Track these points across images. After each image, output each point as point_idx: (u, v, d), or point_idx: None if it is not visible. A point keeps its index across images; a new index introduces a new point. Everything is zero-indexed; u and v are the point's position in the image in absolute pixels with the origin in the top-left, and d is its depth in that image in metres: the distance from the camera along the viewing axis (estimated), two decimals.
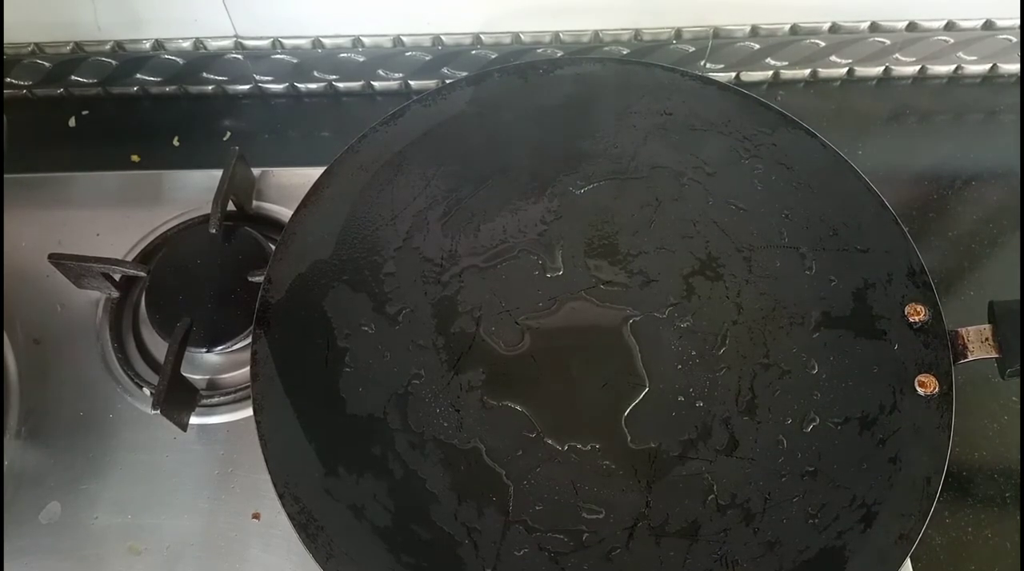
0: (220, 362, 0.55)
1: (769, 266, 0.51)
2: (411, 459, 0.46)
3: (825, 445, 0.45)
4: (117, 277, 0.56)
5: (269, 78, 0.68)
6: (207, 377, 0.55)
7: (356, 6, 0.65)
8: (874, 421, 0.45)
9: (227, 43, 0.67)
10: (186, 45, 0.67)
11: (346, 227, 0.51)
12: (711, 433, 0.47)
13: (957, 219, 0.62)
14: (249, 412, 0.49)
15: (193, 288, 0.54)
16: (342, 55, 0.68)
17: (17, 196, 0.60)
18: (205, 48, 0.68)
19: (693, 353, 0.49)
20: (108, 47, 0.67)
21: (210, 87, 0.68)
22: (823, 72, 0.68)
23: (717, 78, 0.59)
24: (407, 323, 0.49)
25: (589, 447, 0.47)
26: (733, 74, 0.68)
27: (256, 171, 0.61)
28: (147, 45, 0.67)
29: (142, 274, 0.55)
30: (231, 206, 0.57)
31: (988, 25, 0.68)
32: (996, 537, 0.51)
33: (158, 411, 0.47)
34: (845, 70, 0.68)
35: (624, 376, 0.48)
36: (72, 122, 0.67)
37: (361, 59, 0.68)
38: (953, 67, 0.68)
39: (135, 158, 0.65)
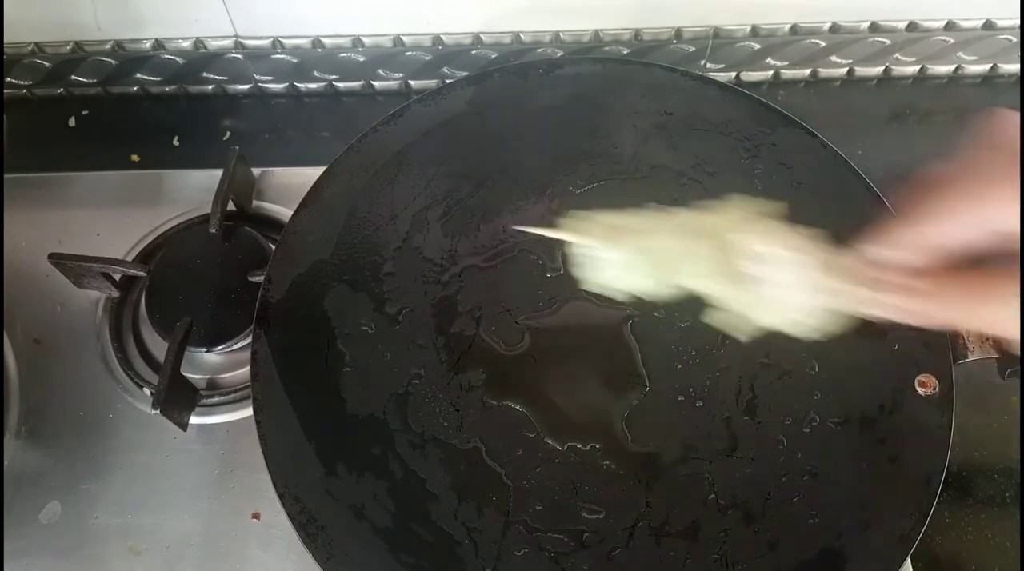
0: (220, 362, 0.55)
1: None
2: (411, 459, 0.46)
3: (825, 445, 0.45)
4: (117, 277, 0.56)
5: (269, 78, 0.68)
6: (207, 377, 0.55)
7: (356, 6, 0.65)
8: (874, 421, 0.45)
9: (227, 43, 0.67)
10: (186, 45, 0.67)
11: (346, 227, 0.51)
12: (711, 433, 0.47)
13: None
14: (249, 412, 0.49)
15: (193, 288, 0.54)
16: (342, 55, 0.68)
17: (17, 196, 0.60)
18: (205, 48, 0.68)
19: (693, 353, 0.49)
20: (108, 47, 0.67)
21: (210, 87, 0.68)
22: (823, 72, 0.68)
23: (717, 78, 0.59)
24: (407, 323, 0.49)
25: (589, 447, 0.47)
26: (733, 74, 0.68)
27: (256, 171, 0.60)
28: (147, 45, 0.67)
29: (142, 274, 0.55)
30: (231, 206, 0.57)
31: (988, 25, 0.68)
32: (996, 537, 0.51)
33: (158, 411, 0.47)
34: (845, 70, 0.68)
35: (624, 376, 0.48)
36: (72, 122, 0.67)
37: (361, 59, 0.68)
38: (953, 67, 0.68)
39: (135, 158, 0.65)
